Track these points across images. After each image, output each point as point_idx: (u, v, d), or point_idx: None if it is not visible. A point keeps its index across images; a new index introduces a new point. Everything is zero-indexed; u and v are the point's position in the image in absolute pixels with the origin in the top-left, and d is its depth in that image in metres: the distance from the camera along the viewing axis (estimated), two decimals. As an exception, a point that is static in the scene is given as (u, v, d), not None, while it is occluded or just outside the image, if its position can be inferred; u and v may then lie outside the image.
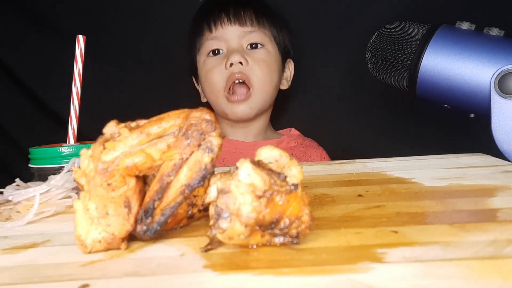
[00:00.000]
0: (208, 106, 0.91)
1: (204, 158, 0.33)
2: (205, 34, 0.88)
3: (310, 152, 0.92)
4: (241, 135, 0.93)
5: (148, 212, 0.33)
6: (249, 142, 0.92)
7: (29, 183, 0.49)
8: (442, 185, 0.46)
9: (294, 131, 0.98)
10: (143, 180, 0.34)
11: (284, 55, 0.93)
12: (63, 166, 0.49)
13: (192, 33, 0.92)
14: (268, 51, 0.89)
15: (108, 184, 0.32)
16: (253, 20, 0.87)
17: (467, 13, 0.81)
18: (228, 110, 0.88)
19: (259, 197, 0.29)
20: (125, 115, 0.40)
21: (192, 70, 0.95)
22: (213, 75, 0.87)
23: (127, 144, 0.33)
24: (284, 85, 0.95)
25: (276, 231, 0.30)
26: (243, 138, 0.93)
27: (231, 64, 0.85)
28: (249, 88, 0.86)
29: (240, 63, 0.85)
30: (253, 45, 0.88)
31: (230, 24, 0.86)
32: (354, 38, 0.92)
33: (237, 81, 0.86)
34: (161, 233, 0.34)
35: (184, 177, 0.33)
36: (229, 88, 0.86)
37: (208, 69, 0.88)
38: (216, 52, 0.88)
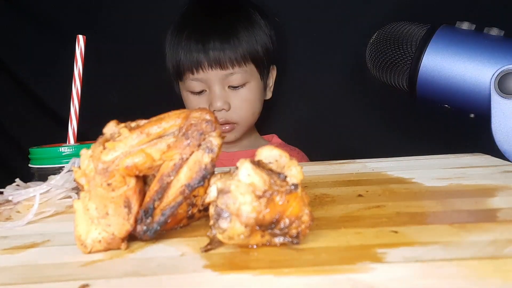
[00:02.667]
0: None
1: (204, 158, 0.33)
2: (187, 74, 0.87)
3: None
4: (227, 147, 0.95)
5: (148, 212, 0.33)
6: (230, 152, 0.93)
7: (29, 183, 0.49)
8: (442, 185, 0.46)
9: (276, 139, 0.99)
10: (143, 180, 0.34)
11: (268, 68, 0.93)
12: (63, 166, 0.49)
13: (171, 59, 0.90)
14: (251, 88, 0.88)
15: (108, 184, 0.32)
16: (234, 61, 0.85)
17: (467, 13, 0.81)
18: None
19: (259, 197, 0.29)
20: (125, 115, 0.40)
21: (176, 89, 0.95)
22: None
23: (127, 144, 0.33)
24: (268, 95, 0.96)
25: (276, 231, 0.30)
26: (225, 147, 0.94)
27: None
28: (232, 125, 0.89)
29: (223, 108, 0.86)
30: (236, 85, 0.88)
31: (211, 68, 0.85)
32: (354, 38, 0.92)
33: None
34: (161, 233, 0.34)
35: (184, 177, 0.33)
36: None
37: (191, 106, 0.90)
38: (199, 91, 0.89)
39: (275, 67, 0.96)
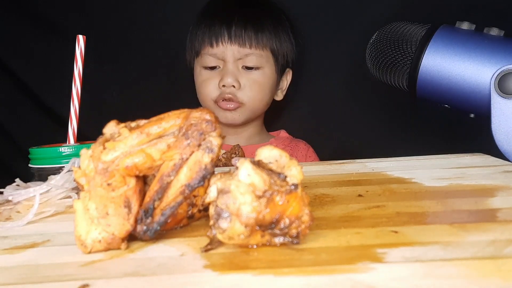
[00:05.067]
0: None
1: (204, 158, 0.33)
2: (205, 48, 0.89)
3: (296, 154, 0.94)
4: (232, 139, 0.95)
5: (148, 212, 0.33)
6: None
7: (29, 183, 0.49)
8: (442, 185, 0.46)
9: (283, 133, 1.00)
10: (143, 180, 0.34)
11: (283, 68, 0.94)
12: (63, 166, 0.49)
13: (193, 36, 0.92)
14: (264, 73, 0.90)
15: (108, 184, 0.32)
16: (253, 41, 0.87)
17: (467, 13, 0.81)
18: (218, 114, 0.89)
19: (259, 197, 0.29)
20: (125, 115, 0.40)
21: (188, 69, 0.97)
22: (206, 88, 0.90)
23: (127, 144, 0.33)
24: (279, 96, 0.97)
25: (276, 231, 0.30)
26: (234, 142, 0.94)
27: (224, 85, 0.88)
28: (238, 104, 0.89)
29: (233, 85, 0.87)
30: (249, 67, 0.89)
31: (230, 43, 0.86)
32: (354, 38, 0.92)
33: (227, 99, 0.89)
34: (161, 233, 0.34)
35: (184, 177, 0.33)
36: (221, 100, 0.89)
37: (202, 80, 0.91)
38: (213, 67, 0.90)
39: (291, 72, 0.97)
